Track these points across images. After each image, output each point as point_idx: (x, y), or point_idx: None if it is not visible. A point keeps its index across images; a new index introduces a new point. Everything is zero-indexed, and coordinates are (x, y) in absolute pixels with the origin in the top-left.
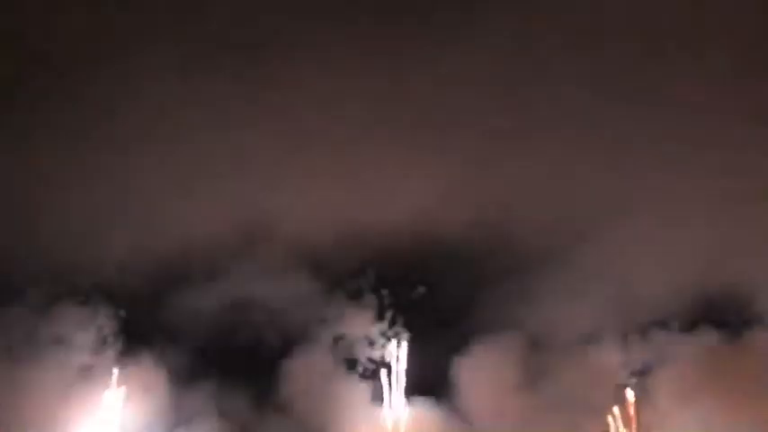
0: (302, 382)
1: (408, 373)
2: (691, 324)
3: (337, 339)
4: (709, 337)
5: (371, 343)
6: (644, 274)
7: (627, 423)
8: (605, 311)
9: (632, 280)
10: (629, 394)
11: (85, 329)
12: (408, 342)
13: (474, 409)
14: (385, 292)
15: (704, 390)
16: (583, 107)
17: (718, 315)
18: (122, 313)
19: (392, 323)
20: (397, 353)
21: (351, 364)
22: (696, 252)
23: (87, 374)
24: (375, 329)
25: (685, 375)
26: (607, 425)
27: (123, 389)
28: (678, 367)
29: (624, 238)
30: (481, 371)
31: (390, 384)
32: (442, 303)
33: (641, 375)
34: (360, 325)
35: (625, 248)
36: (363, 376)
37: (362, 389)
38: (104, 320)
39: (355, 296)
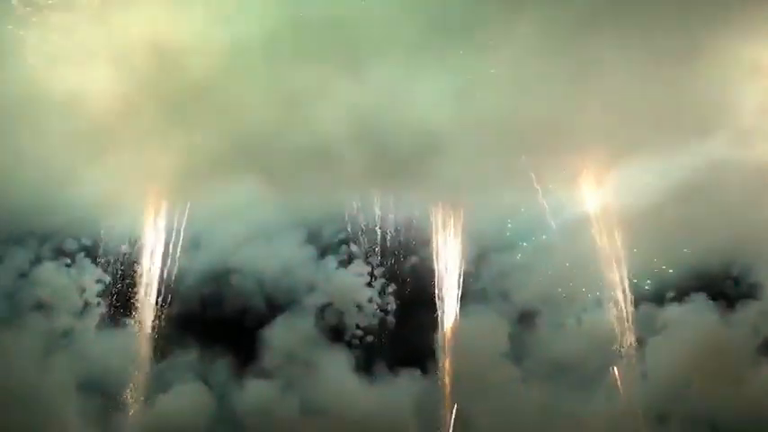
0: (285, 350)
1: (395, 343)
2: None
3: (324, 307)
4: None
5: (360, 310)
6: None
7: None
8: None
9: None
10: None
11: (68, 293)
12: (397, 312)
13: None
14: (376, 259)
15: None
16: None
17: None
18: (107, 278)
19: (382, 292)
20: None
21: (337, 332)
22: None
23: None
24: (364, 297)
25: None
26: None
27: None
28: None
29: None
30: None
31: None
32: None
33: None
34: (349, 292)
35: None
36: (350, 345)
37: (347, 357)
38: (87, 284)
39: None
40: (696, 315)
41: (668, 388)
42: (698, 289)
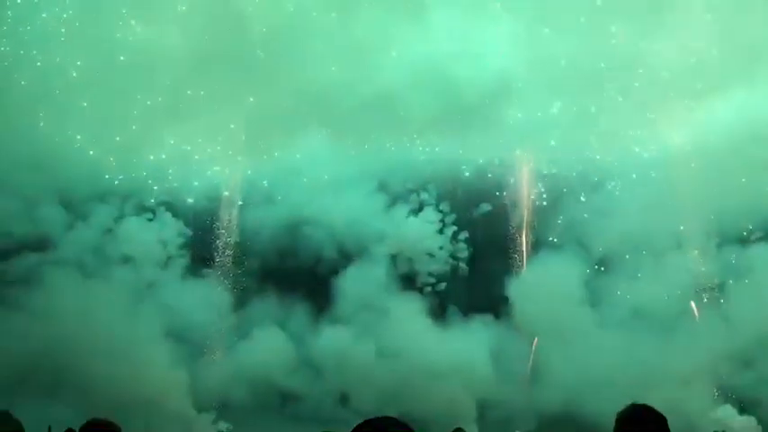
0: (359, 297)
1: (468, 290)
2: None
3: (395, 255)
4: None
5: (432, 257)
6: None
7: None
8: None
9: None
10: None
11: (152, 247)
12: (469, 259)
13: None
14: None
15: None
16: None
17: None
18: (188, 231)
19: (453, 239)
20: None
21: (409, 279)
22: None
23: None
24: (435, 245)
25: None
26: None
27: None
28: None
29: None
30: (543, 286)
31: None
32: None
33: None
34: (420, 240)
35: None
36: (421, 291)
37: (418, 304)
38: (169, 238)
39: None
40: None
41: (752, 333)
42: None
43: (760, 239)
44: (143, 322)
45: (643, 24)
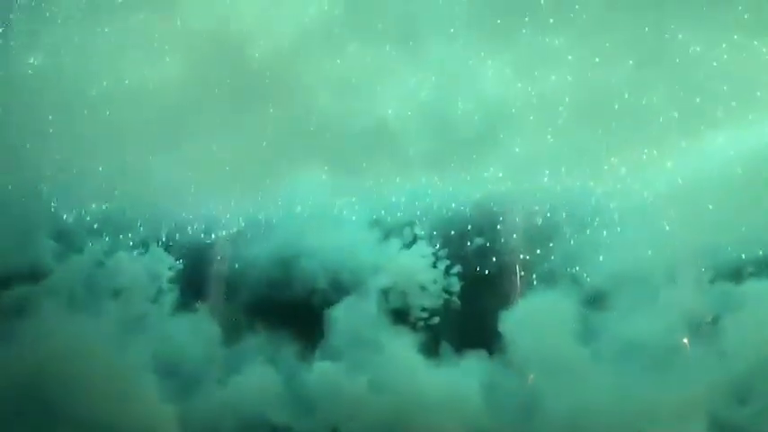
0: (351, 331)
1: (460, 325)
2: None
3: (389, 288)
4: None
5: (424, 291)
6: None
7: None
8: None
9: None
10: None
11: (143, 280)
12: (462, 293)
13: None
14: (440, 241)
15: None
16: None
17: None
18: (179, 264)
19: (446, 273)
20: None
21: (401, 313)
22: None
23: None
24: (428, 278)
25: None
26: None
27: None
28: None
29: None
30: (536, 321)
31: None
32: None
33: (708, 325)
34: (413, 273)
35: None
36: (414, 326)
37: (411, 339)
38: (161, 271)
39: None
40: None
41: (747, 368)
42: None
43: (752, 274)
44: (133, 356)
45: (638, 61)
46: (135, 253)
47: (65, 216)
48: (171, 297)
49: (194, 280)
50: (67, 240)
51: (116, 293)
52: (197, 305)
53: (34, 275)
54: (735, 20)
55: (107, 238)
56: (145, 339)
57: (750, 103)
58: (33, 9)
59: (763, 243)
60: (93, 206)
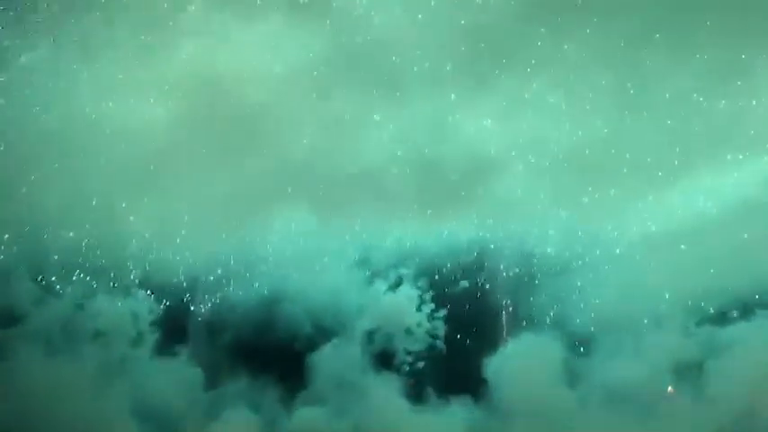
0: (334, 376)
1: (445, 369)
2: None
3: (373, 331)
4: None
5: (410, 334)
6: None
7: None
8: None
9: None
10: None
11: (122, 323)
12: (447, 337)
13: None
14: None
15: None
16: None
17: None
18: (159, 307)
19: (432, 316)
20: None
21: (386, 357)
22: None
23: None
24: (413, 321)
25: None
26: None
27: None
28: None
29: None
30: (521, 367)
31: None
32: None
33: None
34: (398, 316)
35: None
36: (398, 370)
37: (396, 383)
38: (140, 314)
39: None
40: (762, 333)
41: (732, 412)
42: (764, 306)
43: (736, 319)
44: (112, 400)
45: (617, 105)
46: (115, 296)
47: (43, 258)
48: (151, 340)
49: (175, 323)
50: (46, 283)
51: (95, 337)
52: (178, 349)
53: (11, 319)
54: (712, 66)
55: (87, 281)
56: (125, 384)
57: (728, 146)
58: (11, 48)
59: (746, 287)
60: (73, 248)
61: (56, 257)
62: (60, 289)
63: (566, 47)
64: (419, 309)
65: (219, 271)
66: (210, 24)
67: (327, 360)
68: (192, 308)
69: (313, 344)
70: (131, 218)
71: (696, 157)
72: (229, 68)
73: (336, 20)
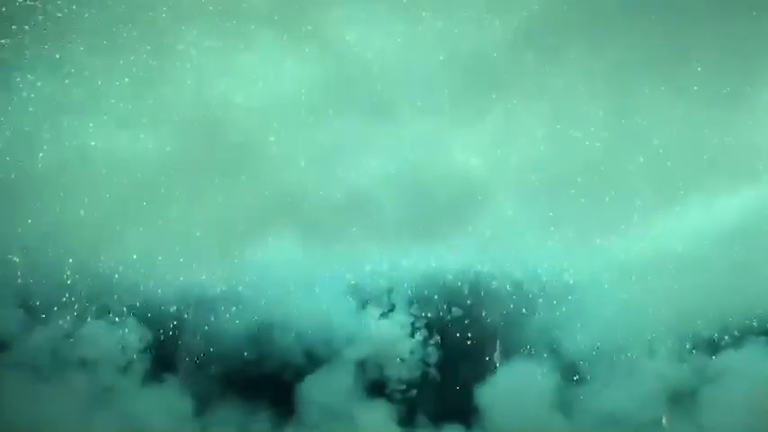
0: (325, 404)
1: (438, 397)
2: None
3: (365, 359)
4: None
5: (402, 361)
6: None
7: None
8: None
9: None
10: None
11: (111, 350)
12: (439, 364)
13: None
14: (418, 310)
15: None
16: None
17: None
18: (149, 335)
19: (425, 343)
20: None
21: (377, 385)
22: None
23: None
24: (406, 348)
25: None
26: None
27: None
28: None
29: None
30: (513, 395)
31: None
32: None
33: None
34: (390, 344)
35: None
36: (390, 398)
37: (387, 412)
38: (130, 342)
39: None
40: (756, 361)
41: None
42: (758, 333)
43: (729, 346)
44: (100, 428)
45: (610, 131)
46: (104, 323)
47: (31, 285)
48: (140, 368)
49: (165, 351)
50: (33, 310)
51: (83, 364)
52: (166, 377)
53: None
54: (706, 94)
55: (75, 308)
56: (113, 412)
57: (722, 173)
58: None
59: (741, 313)
60: (61, 275)
61: (43, 283)
62: (47, 316)
63: (557, 73)
64: (412, 335)
65: (209, 299)
66: (201, 54)
67: (318, 388)
68: (181, 336)
69: (303, 372)
70: (121, 245)
71: (689, 184)
72: (220, 97)
73: (327, 48)
